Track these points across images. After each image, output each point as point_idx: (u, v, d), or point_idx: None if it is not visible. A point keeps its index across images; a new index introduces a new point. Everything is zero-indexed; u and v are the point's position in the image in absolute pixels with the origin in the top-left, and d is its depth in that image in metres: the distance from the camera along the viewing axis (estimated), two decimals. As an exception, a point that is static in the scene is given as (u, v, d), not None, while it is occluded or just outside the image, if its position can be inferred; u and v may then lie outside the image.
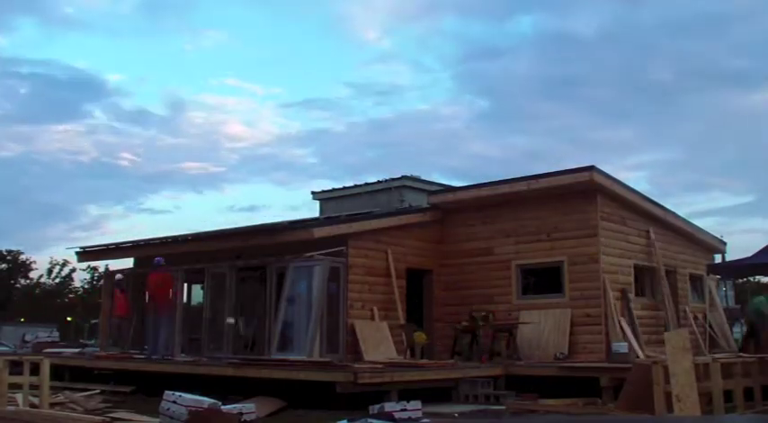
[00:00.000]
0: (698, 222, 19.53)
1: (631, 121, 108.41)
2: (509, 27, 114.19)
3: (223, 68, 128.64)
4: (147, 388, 13.68)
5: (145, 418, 10.45)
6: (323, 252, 14.99)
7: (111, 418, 10.09)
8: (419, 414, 9.05)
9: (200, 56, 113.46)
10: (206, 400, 8.99)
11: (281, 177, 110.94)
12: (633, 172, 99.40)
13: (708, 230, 19.86)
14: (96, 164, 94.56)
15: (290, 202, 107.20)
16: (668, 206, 18.05)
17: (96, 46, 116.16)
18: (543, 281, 16.62)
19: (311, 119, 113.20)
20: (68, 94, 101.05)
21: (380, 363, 13.41)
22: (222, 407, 9.17)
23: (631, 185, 16.75)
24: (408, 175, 20.45)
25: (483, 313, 15.84)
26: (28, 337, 45.70)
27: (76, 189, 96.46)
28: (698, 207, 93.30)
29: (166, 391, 9.24)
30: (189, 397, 8.98)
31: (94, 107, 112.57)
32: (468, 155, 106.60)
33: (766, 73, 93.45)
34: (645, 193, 17.29)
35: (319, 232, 15.25)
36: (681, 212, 18.68)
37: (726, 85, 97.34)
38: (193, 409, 8.68)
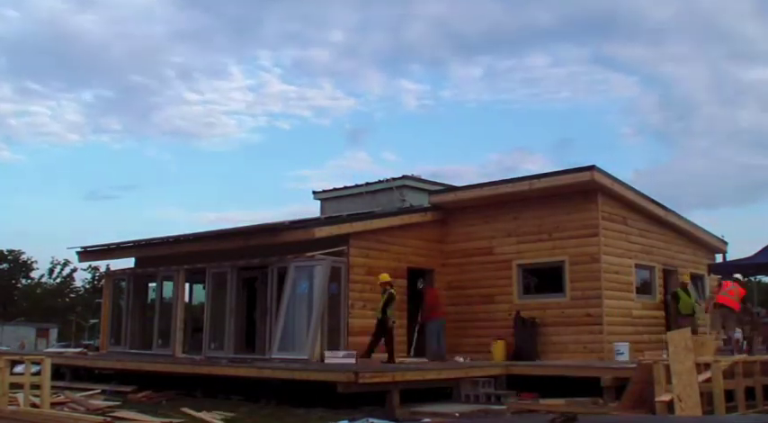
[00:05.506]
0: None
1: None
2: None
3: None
4: (149, 387, 13.69)
5: (147, 417, 10.44)
6: (324, 252, 14.99)
7: (113, 417, 10.08)
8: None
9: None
10: None
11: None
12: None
13: (709, 230, 19.83)
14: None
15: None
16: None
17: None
18: (544, 280, 16.61)
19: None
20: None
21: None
22: None
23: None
24: (409, 174, 20.42)
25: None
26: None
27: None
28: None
29: None
30: None
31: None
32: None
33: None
34: (646, 193, 17.27)
35: (320, 232, 15.24)
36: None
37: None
38: None
